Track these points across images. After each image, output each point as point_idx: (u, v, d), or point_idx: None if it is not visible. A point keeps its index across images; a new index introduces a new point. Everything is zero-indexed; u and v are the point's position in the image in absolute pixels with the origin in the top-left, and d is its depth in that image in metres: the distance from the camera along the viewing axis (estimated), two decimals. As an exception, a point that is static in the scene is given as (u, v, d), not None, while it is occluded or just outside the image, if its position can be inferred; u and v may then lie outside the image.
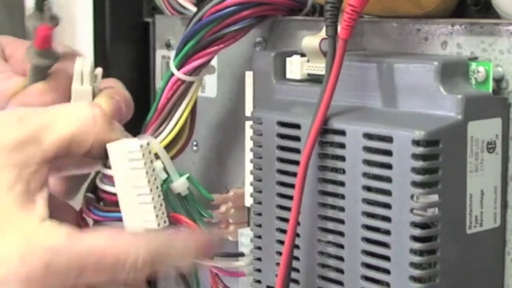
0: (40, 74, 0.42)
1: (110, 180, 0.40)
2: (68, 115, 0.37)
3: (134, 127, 0.44)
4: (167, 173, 0.43)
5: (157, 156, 0.43)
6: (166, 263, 0.36)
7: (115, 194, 0.40)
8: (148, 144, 0.39)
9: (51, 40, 0.41)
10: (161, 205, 0.39)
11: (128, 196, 0.39)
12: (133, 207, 0.39)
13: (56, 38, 0.42)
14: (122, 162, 0.39)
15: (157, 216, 0.39)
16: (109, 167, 0.39)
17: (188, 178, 0.43)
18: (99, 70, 0.42)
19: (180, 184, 0.43)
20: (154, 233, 0.37)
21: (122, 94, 0.42)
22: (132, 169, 0.39)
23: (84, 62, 0.41)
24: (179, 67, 0.43)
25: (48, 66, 0.42)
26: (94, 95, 0.42)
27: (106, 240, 0.35)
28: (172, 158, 0.44)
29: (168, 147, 0.43)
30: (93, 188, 0.42)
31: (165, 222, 0.40)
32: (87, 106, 0.37)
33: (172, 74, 0.43)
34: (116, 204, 0.40)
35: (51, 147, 0.36)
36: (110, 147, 0.39)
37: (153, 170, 0.39)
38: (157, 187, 0.39)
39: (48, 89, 0.42)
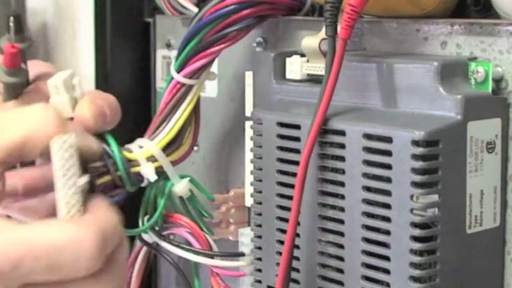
0: (12, 92, 0.42)
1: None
2: (20, 119, 0.36)
3: (135, 127, 0.44)
4: (164, 176, 0.42)
5: (153, 159, 0.42)
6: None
7: None
8: (68, 137, 0.37)
9: (19, 59, 0.41)
10: (73, 205, 0.37)
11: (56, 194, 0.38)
12: (56, 204, 0.38)
13: (33, 54, 0.43)
14: (53, 158, 0.38)
15: (68, 212, 0.37)
16: None
17: (190, 180, 0.43)
18: (77, 79, 0.41)
19: (182, 187, 0.43)
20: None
21: (106, 98, 0.41)
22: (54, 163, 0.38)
23: (58, 75, 0.40)
24: (179, 70, 0.43)
25: (18, 85, 0.42)
26: (75, 104, 0.40)
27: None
28: (176, 162, 0.43)
29: (167, 150, 0.42)
30: None
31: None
32: (39, 109, 0.37)
33: (173, 77, 0.43)
34: None
35: (2, 150, 0.36)
36: (52, 141, 0.38)
37: (72, 164, 0.35)
38: (73, 183, 0.38)
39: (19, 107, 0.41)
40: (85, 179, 0.35)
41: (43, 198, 0.39)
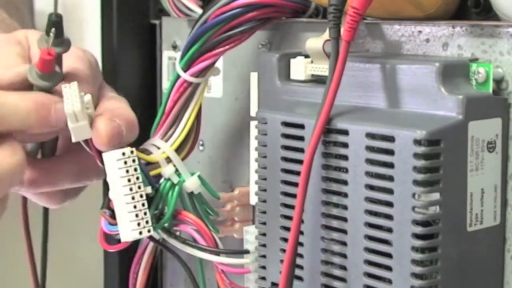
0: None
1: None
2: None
3: (142, 126, 0.44)
4: (179, 175, 0.43)
5: (168, 160, 0.43)
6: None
7: None
8: (132, 152, 0.39)
9: (53, 65, 0.40)
10: (144, 213, 0.39)
11: (119, 206, 0.40)
12: (122, 215, 0.40)
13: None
14: (112, 170, 0.39)
15: (139, 224, 0.40)
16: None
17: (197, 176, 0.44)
18: (89, 97, 0.40)
19: (192, 182, 0.43)
20: None
21: (124, 117, 0.41)
22: (120, 177, 0.39)
23: (73, 102, 0.39)
24: (185, 69, 0.43)
25: (49, 88, 0.42)
26: (92, 120, 0.40)
27: None
28: (182, 159, 0.44)
29: (178, 150, 0.43)
30: (108, 202, 0.42)
31: (149, 231, 0.40)
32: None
33: (179, 76, 0.44)
34: None
35: None
36: (105, 156, 0.39)
37: (137, 178, 0.39)
38: (141, 195, 0.39)
39: None
40: None
41: None
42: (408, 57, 0.39)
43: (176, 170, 0.43)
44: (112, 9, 0.53)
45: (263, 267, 0.42)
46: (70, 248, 0.68)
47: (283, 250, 0.40)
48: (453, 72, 0.37)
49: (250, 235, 0.45)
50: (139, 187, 0.39)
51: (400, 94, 0.38)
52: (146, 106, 0.46)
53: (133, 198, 0.39)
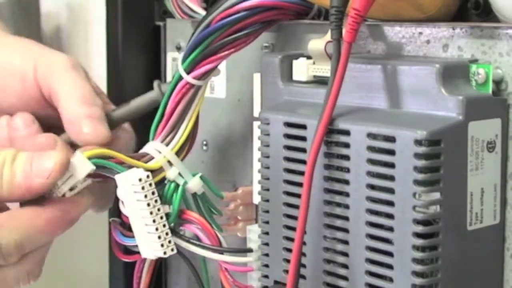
0: None
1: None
2: None
3: (144, 128, 0.44)
4: (182, 177, 0.43)
5: (170, 163, 0.43)
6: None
7: None
8: (148, 176, 0.39)
9: None
10: (166, 234, 0.40)
11: (137, 224, 0.40)
12: (142, 235, 0.40)
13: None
14: (127, 193, 0.39)
15: (162, 245, 0.40)
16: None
17: (200, 177, 0.44)
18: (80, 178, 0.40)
19: (195, 183, 0.43)
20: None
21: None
22: (136, 200, 0.39)
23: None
24: (188, 71, 0.43)
25: None
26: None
27: None
28: (181, 161, 0.44)
29: (178, 152, 0.43)
30: (118, 211, 0.42)
31: (172, 250, 0.40)
32: None
33: (180, 78, 0.43)
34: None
35: None
36: (117, 178, 0.39)
37: (156, 201, 0.39)
38: (161, 217, 0.40)
39: None
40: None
41: None
42: (409, 58, 0.39)
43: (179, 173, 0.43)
44: (117, 10, 0.53)
45: (266, 266, 0.42)
46: (74, 247, 0.68)
47: (286, 249, 0.40)
48: (453, 73, 0.37)
49: (253, 234, 0.45)
50: (158, 210, 0.40)
51: (401, 95, 0.38)
52: (151, 106, 0.46)
53: (154, 221, 0.40)
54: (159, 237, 0.40)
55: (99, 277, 0.59)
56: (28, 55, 0.44)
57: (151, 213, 0.40)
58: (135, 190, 0.39)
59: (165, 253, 0.41)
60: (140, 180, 0.39)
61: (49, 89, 0.43)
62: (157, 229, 0.40)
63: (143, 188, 0.39)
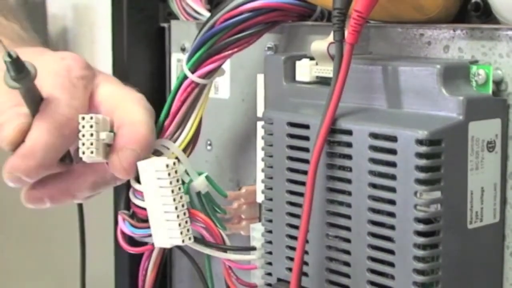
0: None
1: (141, 194, 0.41)
2: None
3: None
4: (188, 174, 0.44)
5: (178, 160, 0.43)
6: None
7: (145, 209, 0.41)
8: (174, 164, 0.40)
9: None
10: (186, 222, 0.40)
11: (156, 212, 0.40)
12: (160, 223, 0.40)
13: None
14: (150, 180, 0.39)
15: (181, 233, 0.40)
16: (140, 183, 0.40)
17: (205, 177, 0.44)
18: (104, 135, 0.40)
19: (200, 182, 0.44)
20: None
21: (136, 137, 0.41)
22: (159, 187, 0.40)
23: (89, 147, 0.40)
24: (193, 70, 0.44)
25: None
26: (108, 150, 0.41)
27: None
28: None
29: (184, 150, 0.44)
30: (127, 202, 0.43)
31: (190, 239, 0.41)
32: None
33: (186, 77, 0.44)
34: (146, 219, 0.41)
35: None
36: (140, 164, 0.40)
37: (179, 188, 0.40)
38: (182, 205, 0.40)
39: None
40: None
41: None
42: (410, 59, 0.40)
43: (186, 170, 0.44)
44: (123, 12, 0.54)
45: (269, 263, 0.42)
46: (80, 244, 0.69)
47: (289, 247, 0.41)
48: (454, 74, 0.37)
49: (256, 232, 0.45)
50: (181, 197, 0.40)
51: (402, 95, 0.38)
52: (156, 106, 0.46)
53: (176, 208, 0.40)
54: (179, 225, 0.40)
55: (104, 274, 0.59)
56: None
57: (174, 199, 0.40)
58: (159, 176, 0.40)
59: (183, 241, 0.40)
60: (167, 166, 0.40)
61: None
62: (178, 216, 0.40)
63: (169, 174, 0.39)
